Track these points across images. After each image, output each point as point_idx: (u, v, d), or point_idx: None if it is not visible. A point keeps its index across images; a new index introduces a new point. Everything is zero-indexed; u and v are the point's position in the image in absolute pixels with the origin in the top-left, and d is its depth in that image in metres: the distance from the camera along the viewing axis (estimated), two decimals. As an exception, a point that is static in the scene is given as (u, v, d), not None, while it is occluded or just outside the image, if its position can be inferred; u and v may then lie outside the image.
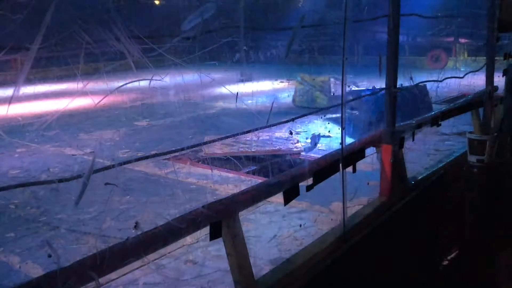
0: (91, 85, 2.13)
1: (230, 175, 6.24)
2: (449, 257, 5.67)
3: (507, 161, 5.86)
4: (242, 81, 14.39)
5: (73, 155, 7.02)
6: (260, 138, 7.84)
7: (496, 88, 6.32)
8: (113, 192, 4.65)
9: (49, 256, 2.57)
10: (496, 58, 6.12)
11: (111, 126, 9.63)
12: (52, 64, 4.16)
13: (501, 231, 5.39)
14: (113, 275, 3.44)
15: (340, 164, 3.58)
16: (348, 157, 3.68)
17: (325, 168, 3.47)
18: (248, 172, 6.60)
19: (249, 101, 3.57)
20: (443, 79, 5.62)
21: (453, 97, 8.97)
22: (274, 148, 7.40)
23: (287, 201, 3.14)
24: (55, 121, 1.99)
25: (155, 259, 3.86)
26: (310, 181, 3.45)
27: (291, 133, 6.43)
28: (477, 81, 6.41)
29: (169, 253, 3.98)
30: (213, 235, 2.65)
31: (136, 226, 3.12)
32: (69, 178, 2.29)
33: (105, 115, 10.31)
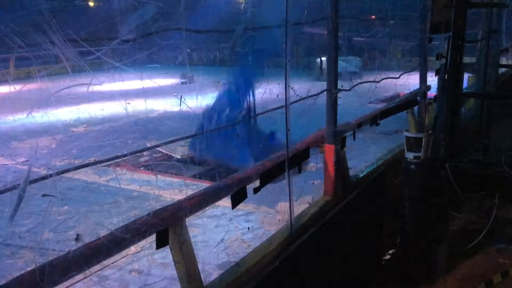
0: (24, 90, 2.00)
1: (175, 179, 6.13)
2: (390, 251, 5.87)
3: (441, 156, 6.16)
4: (183, 83, 14.23)
5: (5, 164, 6.63)
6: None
7: (429, 87, 6.63)
8: (51, 202, 4.42)
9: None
10: (429, 58, 6.41)
11: (46, 133, 9.17)
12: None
13: (436, 224, 5.65)
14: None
15: (286, 165, 3.59)
16: (293, 157, 3.71)
17: (272, 169, 3.48)
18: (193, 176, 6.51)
19: (193, 104, 3.52)
20: (380, 80, 5.80)
21: (389, 96, 9.35)
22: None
23: (235, 204, 3.11)
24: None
25: (98, 271, 3.71)
26: (256, 183, 3.44)
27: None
28: (412, 81, 6.70)
29: (112, 263, 3.84)
30: (160, 244, 2.58)
31: (78, 238, 2.97)
32: (3, 190, 2.14)
33: (39, 122, 9.80)
